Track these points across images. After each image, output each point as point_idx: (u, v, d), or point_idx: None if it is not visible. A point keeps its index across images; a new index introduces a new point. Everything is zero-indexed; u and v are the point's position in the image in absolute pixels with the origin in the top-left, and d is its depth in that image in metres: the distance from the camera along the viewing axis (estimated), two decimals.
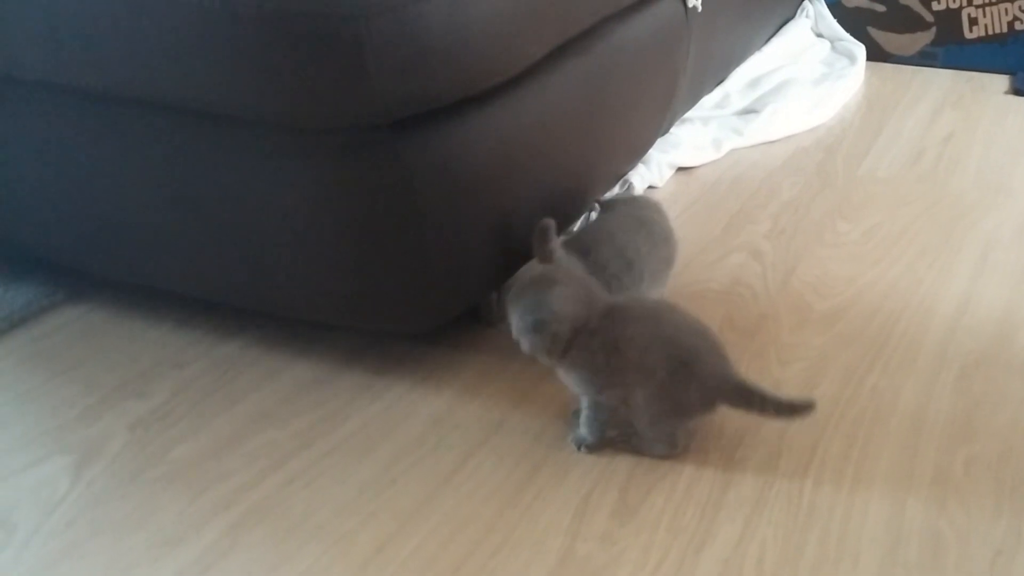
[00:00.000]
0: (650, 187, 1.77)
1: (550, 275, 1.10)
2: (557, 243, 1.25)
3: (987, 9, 2.37)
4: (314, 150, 1.12)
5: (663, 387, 1.07)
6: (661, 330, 1.09)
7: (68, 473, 1.12)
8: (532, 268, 1.16)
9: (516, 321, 1.10)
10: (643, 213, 1.36)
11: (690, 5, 1.69)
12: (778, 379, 1.25)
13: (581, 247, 1.27)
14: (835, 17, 2.47)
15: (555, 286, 1.08)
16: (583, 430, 1.13)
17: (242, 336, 1.37)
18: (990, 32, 2.38)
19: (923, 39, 2.45)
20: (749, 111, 2.06)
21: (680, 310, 1.13)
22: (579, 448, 1.13)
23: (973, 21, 2.39)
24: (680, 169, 1.86)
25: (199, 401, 1.24)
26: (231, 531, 1.03)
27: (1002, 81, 2.35)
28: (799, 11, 2.50)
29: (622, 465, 1.11)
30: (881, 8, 2.45)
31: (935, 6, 2.40)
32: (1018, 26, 2.36)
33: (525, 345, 1.09)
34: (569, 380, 1.11)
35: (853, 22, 2.46)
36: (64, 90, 1.21)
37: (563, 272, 1.12)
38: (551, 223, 1.21)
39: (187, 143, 1.18)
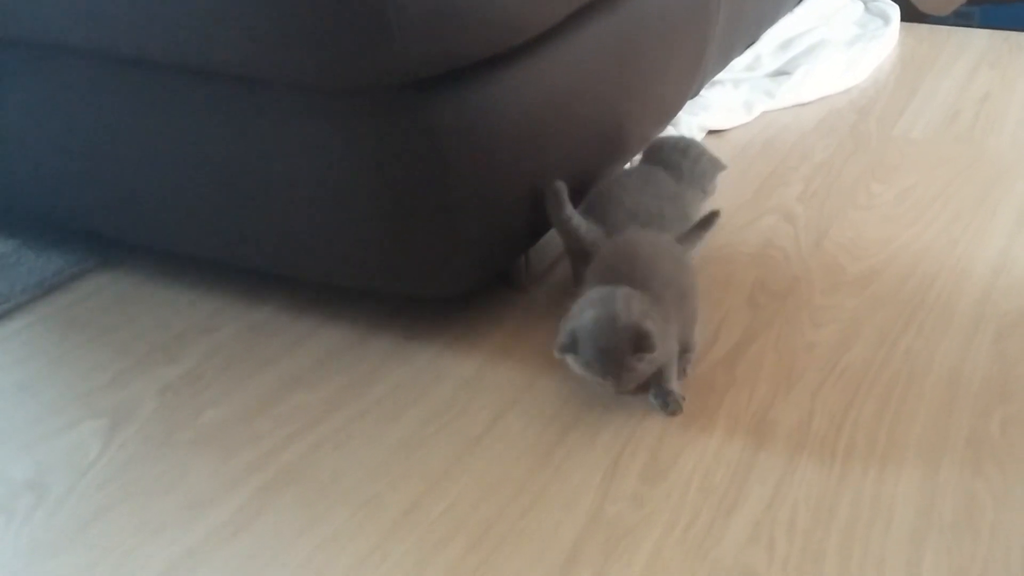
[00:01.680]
0: None
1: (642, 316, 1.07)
2: (572, 209, 1.24)
3: None
4: (340, 112, 1.11)
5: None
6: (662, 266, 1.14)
7: (100, 437, 1.13)
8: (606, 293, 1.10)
9: (601, 359, 1.06)
10: (650, 173, 1.37)
11: None
12: (811, 341, 1.24)
13: (596, 212, 1.27)
14: None
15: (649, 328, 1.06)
16: (672, 386, 1.13)
17: (272, 301, 1.37)
18: None
19: None
20: (781, 73, 2.03)
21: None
22: (676, 409, 1.12)
23: None
24: (711, 132, 1.84)
25: (229, 366, 1.24)
26: (261, 493, 1.03)
27: None
28: None
29: (653, 426, 1.10)
30: None
31: None
32: None
33: (604, 379, 1.07)
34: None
35: None
36: (91, 56, 1.21)
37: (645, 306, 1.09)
38: (562, 186, 1.20)
39: (212, 107, 1.18)
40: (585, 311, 1.08)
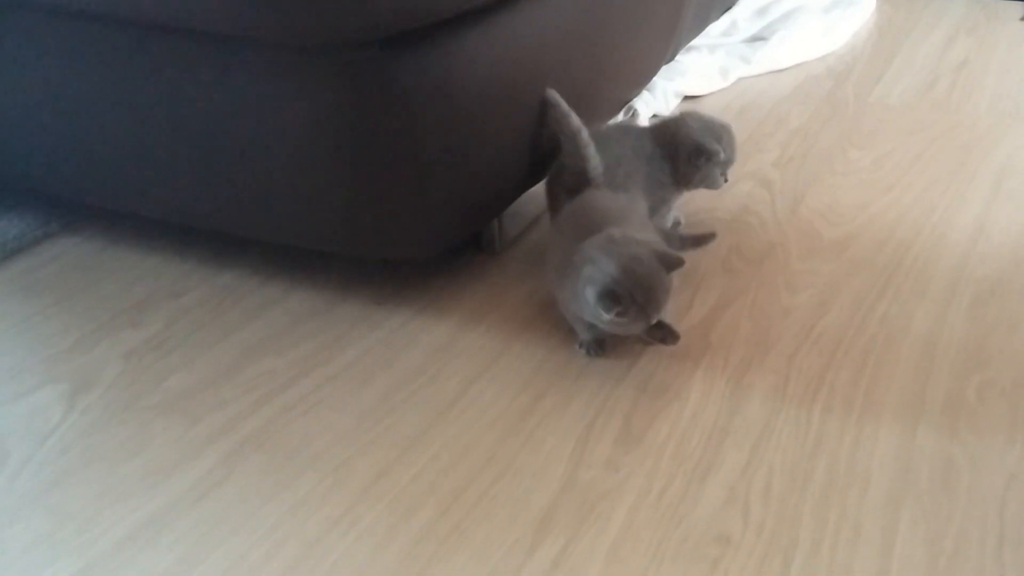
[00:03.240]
0: (655, 115, 1.72)
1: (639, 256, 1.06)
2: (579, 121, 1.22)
3: None
4: (308, 70, 1.08)
5: None
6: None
7: (62, 402, 1.10)
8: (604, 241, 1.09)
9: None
10: (629, 128, 1.36)
11: None
12: (787, 307, 1.23)
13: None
14: None
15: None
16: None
17: (240, 265, 1.34)
18: None
19: None
20: (757, 39, 2.01)
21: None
22: (675, 339, 1.13)
23: None
24: (687, 97, 1.82)
25: (195, 331, 1.21)
26: (227, 460, 1.01)
27: (1017, 8, 2.29)
28: None
29: (627, 392, 1.09)
30: None
31: None
32: None
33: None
34: None
35: None
36: (50, 12, 1.17)
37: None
38: (555, 93, 1.19)
39: (178, 65, 1.15)
40: (602, 269, 1.05)
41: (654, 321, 1.08)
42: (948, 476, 0.96)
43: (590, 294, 1.05)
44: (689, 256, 1.32)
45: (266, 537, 0.92)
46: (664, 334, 1.14)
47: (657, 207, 1.31)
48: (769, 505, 0.93)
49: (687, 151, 1.31)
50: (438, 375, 1.13)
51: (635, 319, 1.06)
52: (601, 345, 1.13)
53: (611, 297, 1.04)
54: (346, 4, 0.98)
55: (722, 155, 1.30)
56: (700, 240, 1.27)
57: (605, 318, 1.05)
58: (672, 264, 1.06)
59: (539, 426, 1.05)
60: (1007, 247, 1.34)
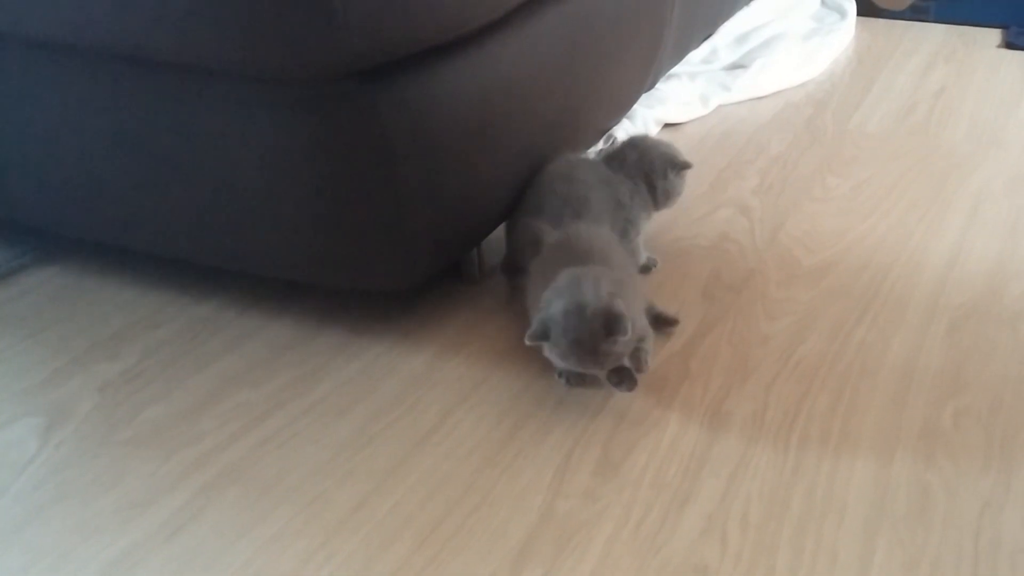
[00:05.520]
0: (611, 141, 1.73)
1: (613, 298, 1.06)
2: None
3: None
4: (286, 102, 1.08)
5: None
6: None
7: (36, 435, 1.09)
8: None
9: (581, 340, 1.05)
10: (578, 161, 1.35)
11: None
12: (766, 334, 1.23)
13: (531, 203, 1.28)
14: None
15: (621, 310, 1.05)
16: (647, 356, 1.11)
17: (216, 297, 1.33)
18: None
19: None
20: (737, 66, 2.02)
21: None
22: (632, 385, 1.10)
23: None
24: (667, 125, 1.82)
25: (171, 363, 1.21)
26: (203, 493, 1.00)
27: (994, 35, 2.31)
28: None
29: (605, 422, 1.09)
30: None
31: None
32: None
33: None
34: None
35: None
36: (27, 42, 1.17)
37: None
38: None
39: (155, 97, 1.15)
40: (554, 301, 1.06)
41: (603, 369, 1.07)
42: (924, 503, 0.96)
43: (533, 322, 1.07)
44: (669, 284, 1.33)
45: (240, 572, 0.91)
46: (620, 378, 1.10)
47: (626, 230, 1.31)
48: (747, 534, 0.93)
49: (662, 167, 1.33)
50: (415, 405, 1.12)
51: (567, 359, 1.06)
52: (580, 375, 1.13)
53: (538, 332, 1.05)
54: (324, 38, 0.99)
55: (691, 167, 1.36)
56: (664, 321, 1.24)
57: (545, 351, 1.07)
58: (613, 329, 1.03)
59: (517, 456, 1.04)
60: (983, 273, 1.34)
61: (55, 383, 1.17)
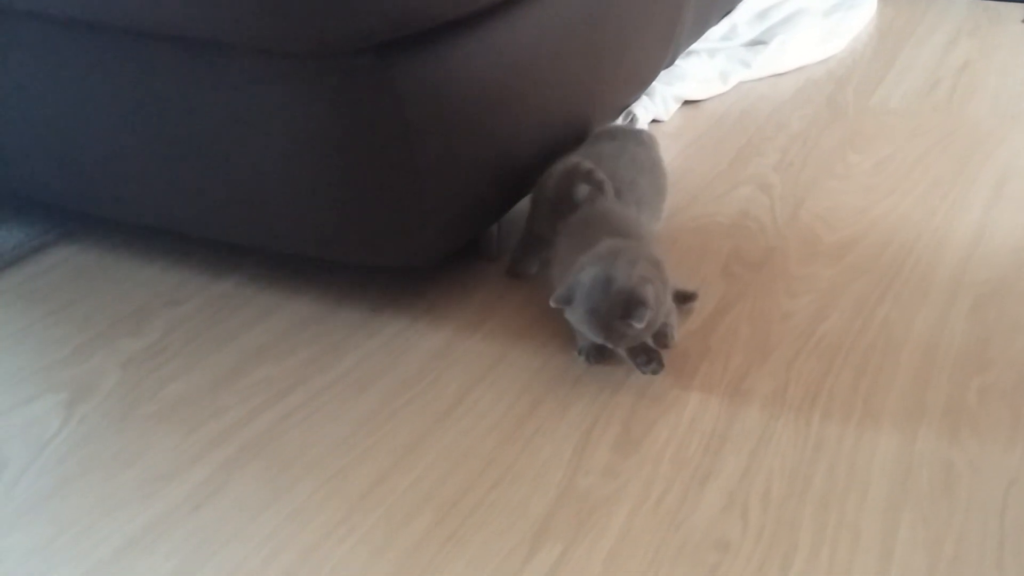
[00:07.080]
0: (655, 120, 1.72)
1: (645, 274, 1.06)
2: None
3: None
4: (303, 76, 1.08)
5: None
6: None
7: (60, 411, 1.10)
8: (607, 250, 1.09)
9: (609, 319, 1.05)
10: (627, 145, 1.32)
11: None
12: (787, 311, 1.22)
13: None
14: None
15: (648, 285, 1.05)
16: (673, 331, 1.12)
17: (237, 274, 1.34)
18: None
19: None
20: (757, 43, 2.00)
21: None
22: (657, 369, 1.10)
23: None
24: (686, 102, 1.81)
25: (193, 339, 1.21)
26: (224, 467, 1.01)
27: (1019, 10, 2.29)
28: None
29: (625, 398, 1.08)
30: None
31: None
32: None
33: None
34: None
35: None
36: (46, 21, 1.17)
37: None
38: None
39: (172, 73, 1.14)
40: (587, 267, 1.06)
41: (616, 345, 1.08)
42: (948, 481, 0.96)
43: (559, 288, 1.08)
44: (689, 261, 1.32)
45: (263, 545, 0.91)
46: (648, 358, 1.10)
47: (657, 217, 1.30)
48: (768, 510, 0.93)
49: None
50: (436, 382, 1.12)
51: (581, 326, 1.07)
52: (600, 352, 1.13)
53: (564, 296, 1.06)
54: (339, 10, 0.98)
55: None
56: (684, 297, 1.23)
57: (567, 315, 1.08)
58: (631, 313, 1.03)
59: (537, 432, 1.04)
60: (1008, 250, 1.33)
61: (78, 359, 1.18)
